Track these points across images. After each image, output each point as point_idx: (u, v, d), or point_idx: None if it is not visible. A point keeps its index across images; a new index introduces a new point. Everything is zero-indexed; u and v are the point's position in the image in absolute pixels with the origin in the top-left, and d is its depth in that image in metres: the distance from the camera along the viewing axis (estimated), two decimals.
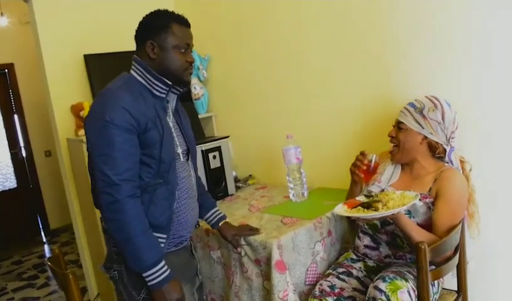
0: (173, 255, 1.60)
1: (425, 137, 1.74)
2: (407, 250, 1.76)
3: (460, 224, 1.70)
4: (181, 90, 1.63)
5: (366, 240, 1.87)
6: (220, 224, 1.89)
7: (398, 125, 1.80)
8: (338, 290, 1.75)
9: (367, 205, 1.60)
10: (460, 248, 1.76)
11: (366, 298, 1.60)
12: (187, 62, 1.56)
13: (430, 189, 1.73)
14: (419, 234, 1.61)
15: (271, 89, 2.72)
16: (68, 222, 4.52)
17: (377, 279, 1.60)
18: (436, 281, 1.72)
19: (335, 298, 1.73)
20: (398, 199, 1.59)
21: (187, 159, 1.67)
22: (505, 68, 1.77)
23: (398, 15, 2.03)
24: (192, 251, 1.77)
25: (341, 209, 1.67)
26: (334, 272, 1.83)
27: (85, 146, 1.94)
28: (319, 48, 2.41)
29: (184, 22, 1.58)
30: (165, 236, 1.56)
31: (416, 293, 1.57)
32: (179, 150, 1.61)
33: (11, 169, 5.51)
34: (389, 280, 1.56)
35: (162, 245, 1.54)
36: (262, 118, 2.83)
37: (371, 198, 1.65)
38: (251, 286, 1.89)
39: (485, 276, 1.96)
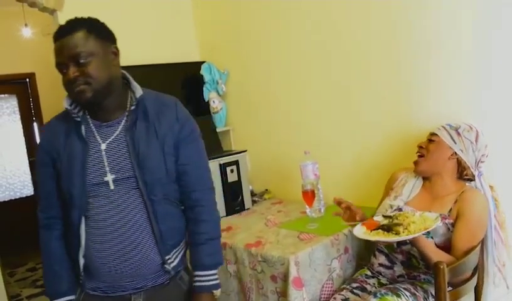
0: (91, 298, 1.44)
1: (455, 153, 1.75)
2: (422, 270, 1.76)
3: (479, 246, 1.69)
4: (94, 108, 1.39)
5: (381, 259, 1.87)
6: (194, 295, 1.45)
7: (431, 137, 1.82)
8: None
9: (387, 228, 1.57)
10: (478, 270, 1.75)
11: None
12: (68, 80, 1.31)
13: (451, 209, 1.72)
14: (437, 256, 1.60)
15: (289, 104, 2.75)
16: None
17: (370, 296, 1.61)
18: None
19: None
20: (418, 222, 1.56)
21: (137, 187, 1.35)
22: None
23: (417, 32, 2.04)
24: None
25: (360, 231, 1.64)
26: (348, 287, 1.84)
27: None
28: (337, 64, 2.43)
29: (59, 35, 1.29)
30: (82, 274, 1.41)
31: None
32: (109, 178, 1.34)
33: (29, 177, 5.59)
34: (379, 296, 1.59)
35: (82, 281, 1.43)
36: (279, 133, 2.84)
37: (391, 220, 1.62)
38: None
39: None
